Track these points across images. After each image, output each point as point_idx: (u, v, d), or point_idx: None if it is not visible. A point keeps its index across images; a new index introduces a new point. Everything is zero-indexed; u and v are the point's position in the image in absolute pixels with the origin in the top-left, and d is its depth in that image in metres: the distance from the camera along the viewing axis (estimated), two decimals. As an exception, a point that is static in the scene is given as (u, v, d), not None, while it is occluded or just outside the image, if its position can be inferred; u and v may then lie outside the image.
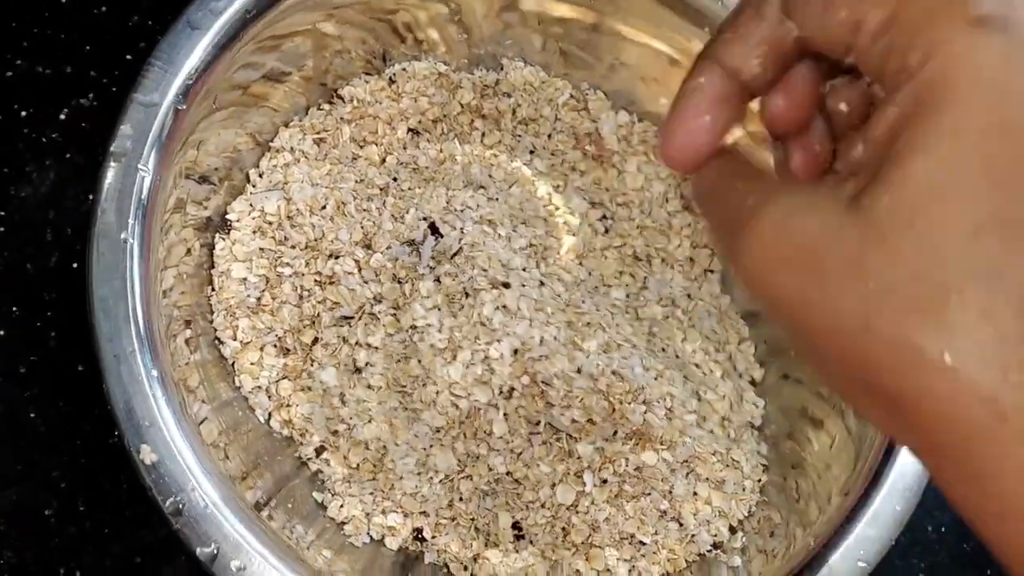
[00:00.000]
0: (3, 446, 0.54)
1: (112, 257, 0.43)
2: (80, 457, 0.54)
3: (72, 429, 0.54)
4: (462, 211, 0.55)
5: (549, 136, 0.60)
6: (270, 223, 0.52)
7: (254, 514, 0.43)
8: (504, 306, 0.51)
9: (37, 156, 0.58)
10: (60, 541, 0.53)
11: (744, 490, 0.52)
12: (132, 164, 0.44)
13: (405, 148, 0.57)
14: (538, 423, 0.50)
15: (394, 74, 0.58)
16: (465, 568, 0.51)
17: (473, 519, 0.51)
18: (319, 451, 0.52)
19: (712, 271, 0.60)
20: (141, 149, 0.45)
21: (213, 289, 0.51)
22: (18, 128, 0.59)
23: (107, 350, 0.42)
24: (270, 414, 0.52)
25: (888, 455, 0.46)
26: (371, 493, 0.51)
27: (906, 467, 0.46)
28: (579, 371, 0.50)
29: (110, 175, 0.44)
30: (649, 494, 0.50)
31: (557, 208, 0.58)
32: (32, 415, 0.54)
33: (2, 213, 0.57)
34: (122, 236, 0.43)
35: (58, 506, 0.53)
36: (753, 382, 0.57)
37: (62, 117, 0.59)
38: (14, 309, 0.56)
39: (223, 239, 0.52)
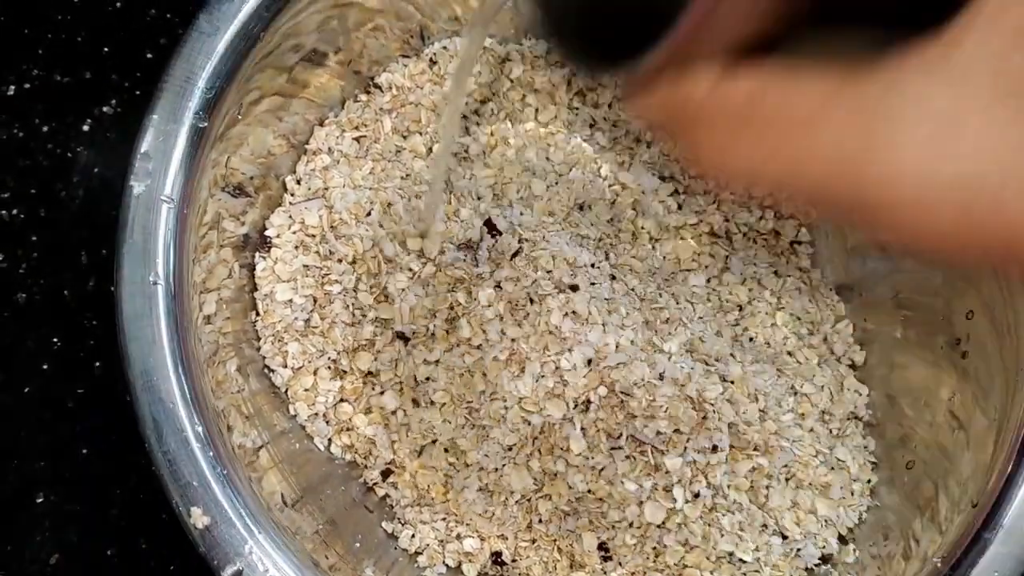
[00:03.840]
0: (56, 483, 0.51)
1: (142, 304, 0.39)
2: (139, 492, 0.51)
3: (126, 463, 0.51)
4: (520, 203, 0.50)
5: (609, 105, 0.54)
6: (312, 236, 0.48)
7: (290, 542, 0.40)
8: (573, 312, 0.46)
9: (64, 173, 0.55)
10: (125, 583, 0.50)
11: (853, 494, 0.48)
12: (154, 196, 0.40)
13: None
14: (620, 436, 0.46)
15: (434, 54, 0.52)
16: (550, 593, 0.47)
17: (555, 540, 0.47)
18: (385, 475, 0.48)
19: (799, 242, 0.54)
20: (163, 179, 0.40)
21: (258, 314, 0.47)
22: (41, 144, 0.55)
23: (145, 409, 0.39)
24: (330, 440, 0.48)
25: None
26: (443, 519, 0.48)
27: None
28: (661, 377, 0.46)
29: (132, 209, 0.40)
30: (747, 507, 0.46)
31: (624, 187, 0.53)
32: (84, 451, 0.52)
33: (34, 238, 0.54)
34: (150, 278, 0.40)
35: (119, 547, 0.50)
36: (853, 366, 0.52)
37: (85, 128, 0.55)
38: (55, 340, 0.53)
39: (264, 258, 0.48)
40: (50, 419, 0.52)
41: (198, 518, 0.38)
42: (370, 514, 0.48)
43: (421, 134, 0.52)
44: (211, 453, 0.39)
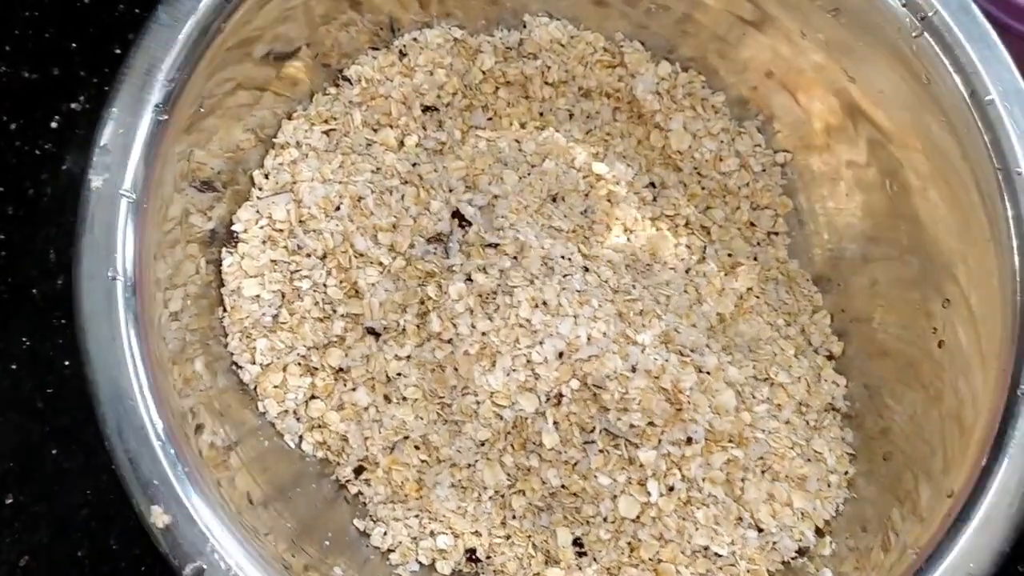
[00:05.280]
0: (26, 483, 0.51)
1: (101, 300, 0.39)
2: (108, 493, 0.51)
3: (96, 463, 0.51)
4: (491, 194, 0.49)
5: (586, 95, 0.54)
6: (280, 231, 0.47)
7: (259, 545, 0.39)
8: (544, 303, 0.45)
9: (32, 171, 0.54)
10: (96, 584, 0.50)
11: (830, 486, 0.47)
12: (112, 190, 0.39)
13: (424, 128, 0.52)
14: (592, 430, 0.45)
15: (404, 46, 0.52)
16: (525, 589, 0.46)
17: (530, 536, 0.47)
18: (357, 471, 0.48)
19: (776, 233, 0.53)
20: (122, 173, 0.40)
21: (225, 310, 0.47)
22: (9, 142, 0.54)
23: (105, 407, 0.38)
24: (301, 437, 0.48)
25: (1000, 439, 0.40)
26: (416, 515, 0.47)
27: (1017, 459, 0.40)
28: (634, 369, 0.45)
29: (91, 205, 0.39)
30: (722, 500, 0.45)
31: (599, 178, 0.52)
32: (54, 451, 0.51)
33: (1, 236, 0.53)
34: (108, 274, 0.39)
35: (89, 548, 0.50)
36: (831, 357, 0.51)
37: (54, 125, 0.54)
38: (23, 339, 0.52)
39: (230, 253, 0.47)
40: (19, 419, 0.51)
41: (158, 517, 0.37)
42: (342, 512, 0.47)
43: (392, 127, 0.51)
44: (172, 451, 0.38)
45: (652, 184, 0.53)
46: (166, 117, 0.41)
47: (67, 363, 0.52)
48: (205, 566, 0.37)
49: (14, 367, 0.52)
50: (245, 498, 0.42)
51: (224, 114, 0.46)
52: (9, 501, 0.50)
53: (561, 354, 0.45)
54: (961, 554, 0.39)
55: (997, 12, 0.48)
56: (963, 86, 0.43)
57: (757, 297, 0.51)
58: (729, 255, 0.52)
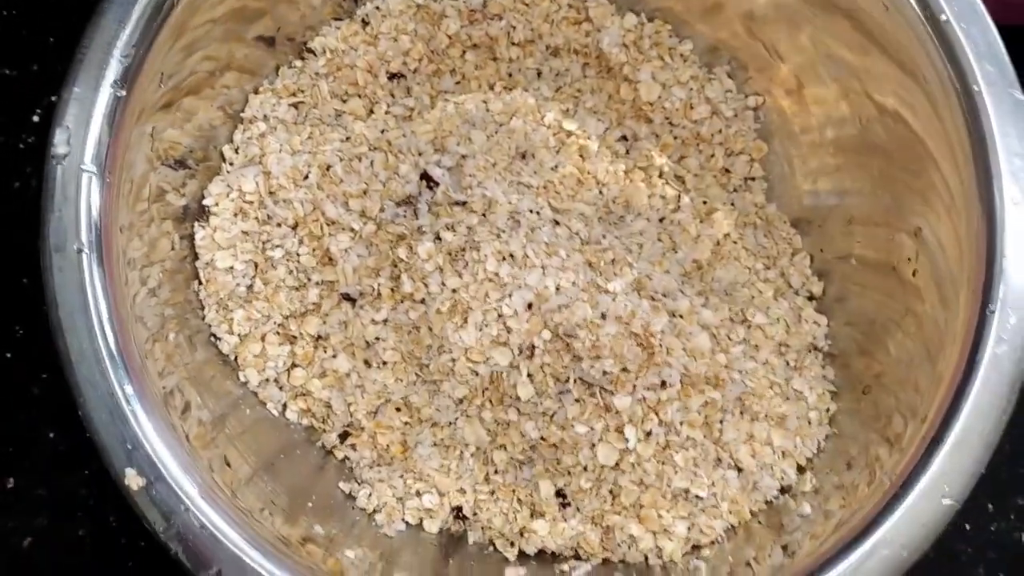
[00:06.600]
0: (24, 467, 0.52)
1: (69, 272, 0.40)
2: (106, 471, 0.51)
3: (91, 445, 0.52)
4: (458, 155, 0.49)
5: (554, 53, 0.54)
6: (250, 203, 0.48)
7: (258, 526, 0.39)
8: (511, 255, 0.45)
9: (18, 164, 0.55)
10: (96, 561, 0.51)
11: (810, 424, 0.47)
12: (74, 166, 0.40)
13: (393, 95, 0.52)
14: (567, 380, 0.45)
15: (366, 15, 0.52)
16: (512, 544, 0.47)
17: (514, 491, 0.47)
18: (343, 437, 0.48)
19: (753, 178, 0.53)
20: (82, 149, 0.41)
21: (200, 283, 0.47)
22: (-7, 138, 0.56)
23: (76, 373, 0.39)
24: (285, 405, 0.48)
25: (972, 360, 0.40)
26: (401, 476, 0.47)
27: (990, 379, 0.39)
28: (604, 316, 0.45)
29: (54, 181, 0.40)
30: (700, 443, 0.45)
31: (569, 134, 0.52)
32: (51, 435, 0.52)
33: (-8, 231, 0.54)
34: (74, 247, 0.40)
35: (89, 527, 0.51)
36: (812, 297, 0.51)
37: (35, 119, 0.56)
38: (16, 327, 0.53)
39: (203, 227, 0.48)
40: (16, 405, 0.52)
41: (133, 479, 0.38)
42: (330, 478, 0.48)
43: (360, 96, 0.52)
44: (143, 411, 0.39)
45: (624, 137, 0.53)
46: (124, 93, 0.42)
47: (56, 345, 0.53)
48: (178, 526, 0.38)
49: (8, 355, 0.53)
50: (222, 462, 0.42)
51: (189, 91, 0.47)
52: (10, 485, 0.51)
53: (530, 305, 0.45)
54: (935, 478, 0.38)
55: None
56: (919, 8, 0.42)
57: (735, 242, 0.51)
58: (705, 202, 0.52)
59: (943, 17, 0.42)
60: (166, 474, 0.38)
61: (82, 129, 0.41)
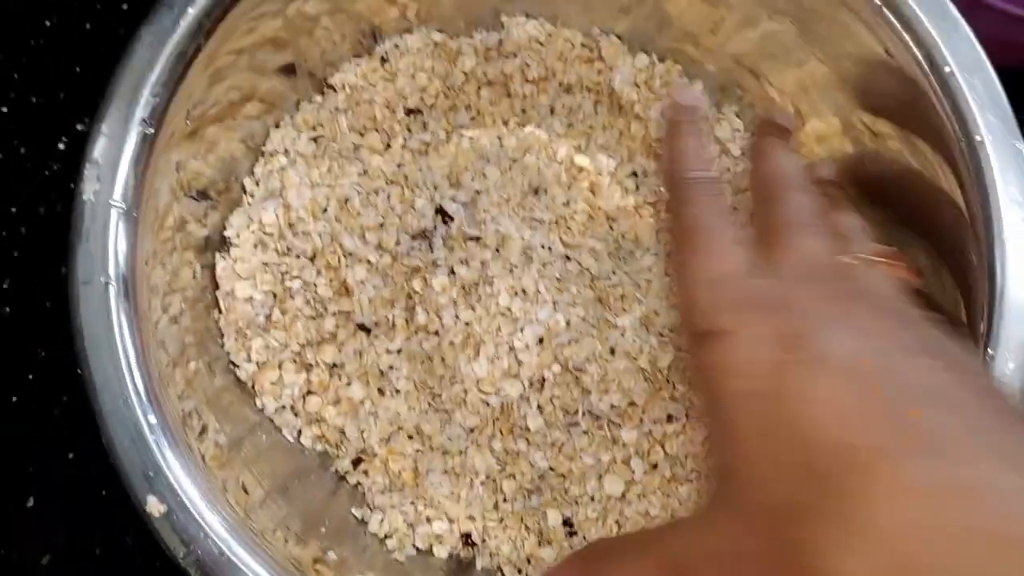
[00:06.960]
0: (47, 488, 0.53)
1: (95, 304, 0.41)
2: (124, 493, 0.53)
3: (110, 465, 0.53)
4: (473, 190, 0.51)
5: (567, 90, 0.55)
6: (270, 235, 0.49)
7: (272, 550, 0.41)
8: (523, 291, 0.47)
9: (43, 190, 0.57)
10: (114, 580, 0.52)
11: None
12: (103, 201, 0.42)
13: (409, 130, 0.53)
14: (576, 412, 0.47)
15: (386, 52, 0.54)
16: (519, 571, 0.48)
17: (522, 519, 0.48)
18: (356, 463, 0.50)
19: (760, 215, 0.54)
20: (111, 184, 0.42)
21: (220, 312, 0.49)
22: (21, 164, 0.57)
23: (100, 402, 0.40)
24: (300, 431, 0.50)
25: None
26: (412, 502, 0.49)
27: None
28: (613, 352, 0.46)
29: (83, 216, 0.42)
30: (705, 476, 0.46)
31: (581, 170, 0.53)
32: (71, 455, 0.53)
33: (15, 254, 0.56)
34: (102, 280, 0.41)
35: (105, 546, 0.52)
36: (816, 334, 0.52)
37: (61, 147, 0.57)
38: (39, 350, 0.55)
39: (223, 258, 0.49)
40: (37, 426, 0.54)
41: (154, 507, 0.39)
42: (342, 502, 0.49)
43: (378, 131, 0.53)
44: (165, 441, 0.40)
45: (635, 173, 0.54)
46: (153, 130, 0.43)
47: (80, 372, 0.54)
48: (199, 553, 0.39)
49: (31, 377, 0.54)
50: (246, 489, 0.44)
51: (213, 125, 0.48)
52: (30, 504, 0.53)
53: (541, 339, 0.46)
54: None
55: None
56: (923, 58, 0.44)
57: (741, 279, 0.52)
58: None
59: (947, 69, 0.43)
60: (187, 502, 0.40)
61: (110, 167, 0.42)
